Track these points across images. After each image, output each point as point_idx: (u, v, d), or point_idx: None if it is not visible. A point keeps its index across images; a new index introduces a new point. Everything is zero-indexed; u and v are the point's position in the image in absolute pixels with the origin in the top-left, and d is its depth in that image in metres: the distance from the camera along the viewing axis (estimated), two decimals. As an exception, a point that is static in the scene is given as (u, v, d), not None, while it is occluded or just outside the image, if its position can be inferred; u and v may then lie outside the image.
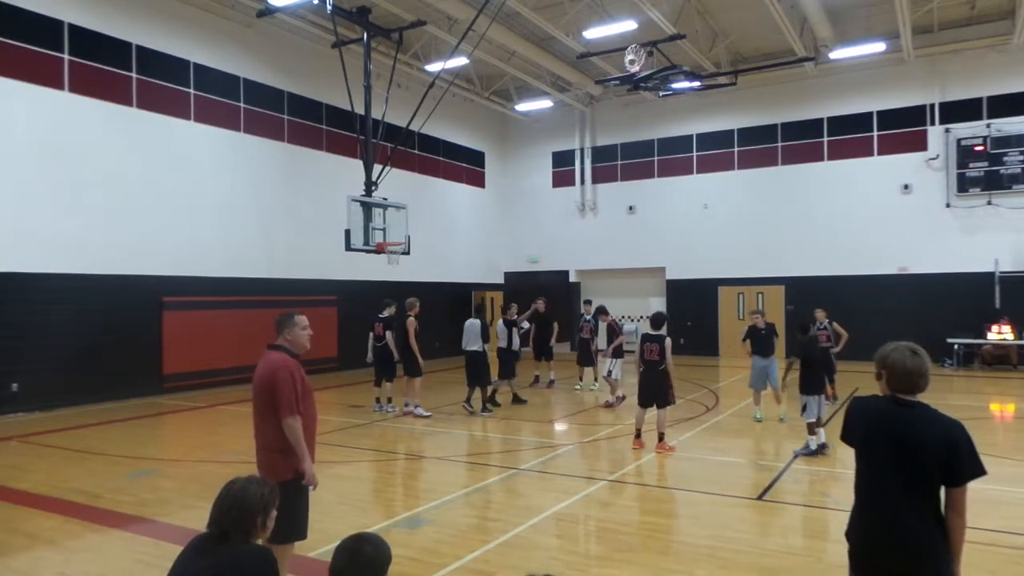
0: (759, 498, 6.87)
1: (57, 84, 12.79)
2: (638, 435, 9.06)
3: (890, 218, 19.44)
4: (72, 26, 13.00)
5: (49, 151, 12.59)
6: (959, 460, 2.74)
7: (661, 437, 8.90)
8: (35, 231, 12.31)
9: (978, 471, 2.76)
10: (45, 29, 12.62)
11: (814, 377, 8.83)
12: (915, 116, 19.40)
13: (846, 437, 3.13)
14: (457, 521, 6.27)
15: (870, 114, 19.94)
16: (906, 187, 19.41)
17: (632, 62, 15.49)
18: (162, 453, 9.73)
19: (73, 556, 5.51)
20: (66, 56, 12.93)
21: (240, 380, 15.42)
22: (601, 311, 13.39)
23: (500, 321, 13.07)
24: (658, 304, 22.69)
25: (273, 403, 4.14)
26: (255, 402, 4.30)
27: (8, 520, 6.40)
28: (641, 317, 22.69)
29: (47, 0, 12.63)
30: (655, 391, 8.87)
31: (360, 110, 14.73)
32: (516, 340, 12.83)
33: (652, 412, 8.98)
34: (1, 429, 10.80)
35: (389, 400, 12.12)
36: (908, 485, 2.81)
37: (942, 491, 2.79)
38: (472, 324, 12.03)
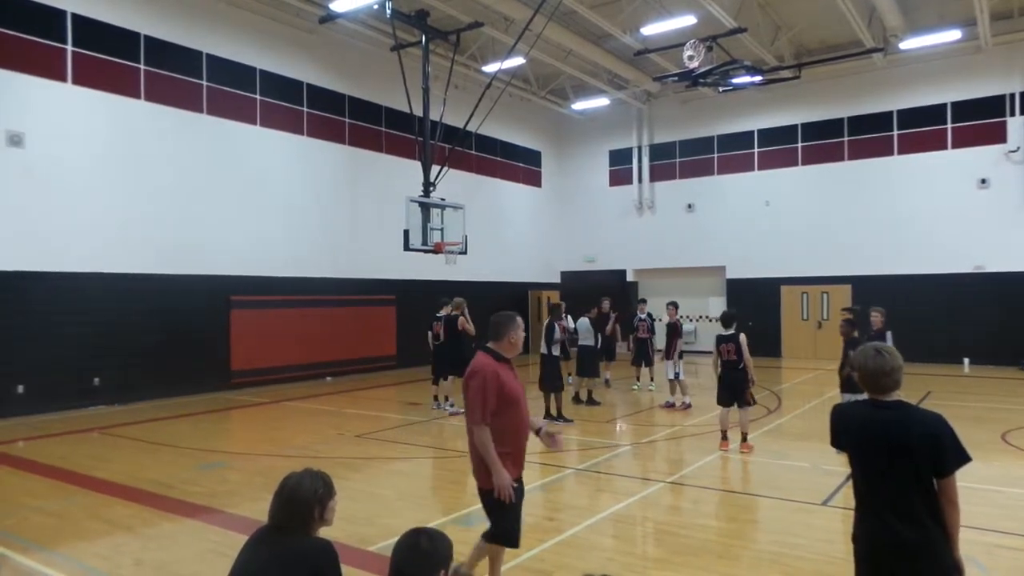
0: (824, 503, 6.67)
1: (134, 93, 13.43)
2: (724, 436, 8.98)
3: (965, 214, 18.54)
4: (147, 37, 13.62)
5: (126, 157, 13.23)
6: (944, 452, 2.86)
7: (744, 437, 8.90)
8: (114, 233, 12.96)
9: (963, 459, 2.89)
10: (124, 41, 13.26)
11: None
12: (993, 107, 18.45)
13: (836, 443, 3.27)
14: (514, 519, 6.30)
15: (944, 105, 19.07)
16: (983, 181, 18.49)
17: (691, 58, 15.22)
18: (230, 446, 10.11)
19: (149, 543, 5.78)
20: (142, 66, 13.55)
21: (303, 377, 15.89)
22: (672, 306, 12.91)
23: (583, 319, 12.82)
24: (718, 304, 22.27)
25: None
26: (466, 406, 4.20)
27: (90, 507, 6.76)
28: (700, 317, 22.33)
29: (125, 13, 13.28)
30: (736, 391, 8.90)
31: (418, 112, 14.95)
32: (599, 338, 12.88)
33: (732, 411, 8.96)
34: (84, 421, 11.41)
35: (447, 398, 12.25)
36: (901, 484, 2.92)
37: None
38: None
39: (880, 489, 2.99)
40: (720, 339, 9.05)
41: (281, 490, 2.84)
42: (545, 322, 11.54)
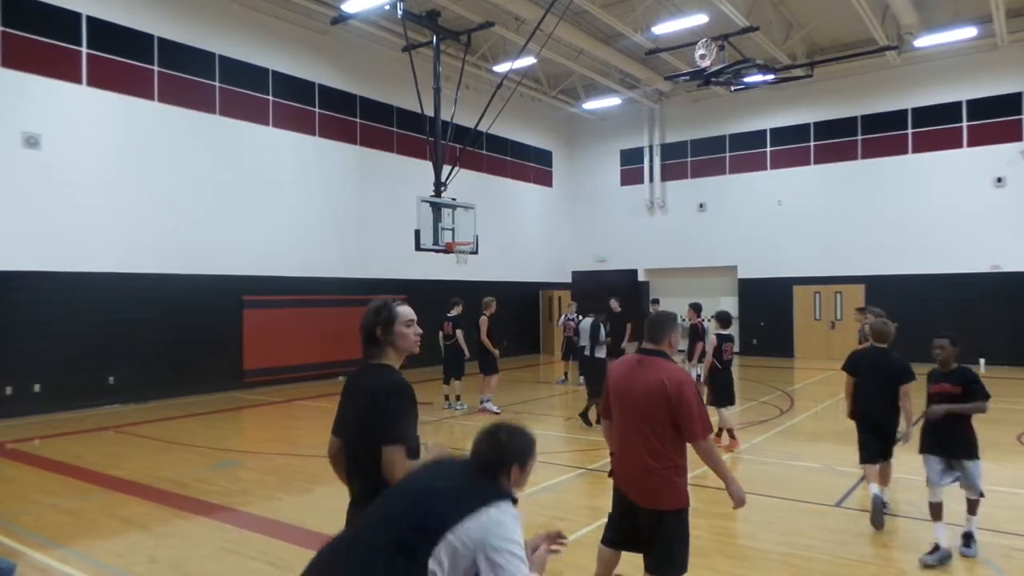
0: (836, 505, 6.64)
1: (148, 95, 13.54)
2: (732, 435, 9.01)
3: (981, 213, 18.37)
4: (161, 39, 13.73)
5: (140, 158, 13.35)
6: (903, 374, 5.89)
7: (733, 433, 8.97)
8: (128, 233, 13.08)
9: (912, 378, 5.86)
10: (138, 43, 13.38)
11: None
12: (1009, 104, 18.26)
13: (848, 368, 6.29)
14: (529, 518, 6.28)
15: (959, 103, 18.89)
16: (999, 180, 18.30)
17: (703, 57, 15.16)
18: (243, 445, 10.18)
19: (162, 541, 5.83)
20: (156, 68, 13.67)
21: (315, 376, 15.95)
22: (693, 308, 12.12)
23: (588, 320, 12.42)
24: (729, 304, 22.16)
25: (671, 420, 3.65)
26: (642, 417, 3.72)
27: (106, 505, 6.83)
28: (711, 318, 22.23)
29: (140, 15, 13.40)
30: (730, 391, 9.06)
31: (429, 112, 14.98)
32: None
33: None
34: (99, 419, 11.52)
35: (458, 398, 12.28)
36: (882, 389, 5.96)
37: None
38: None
39: (873, 392, 6.00)
40: (722, 338, 9.14)
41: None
42: (588, 321, 11.22)
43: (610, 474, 4.12)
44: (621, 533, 3.97)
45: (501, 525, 2.16)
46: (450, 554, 2.10)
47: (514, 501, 2.32)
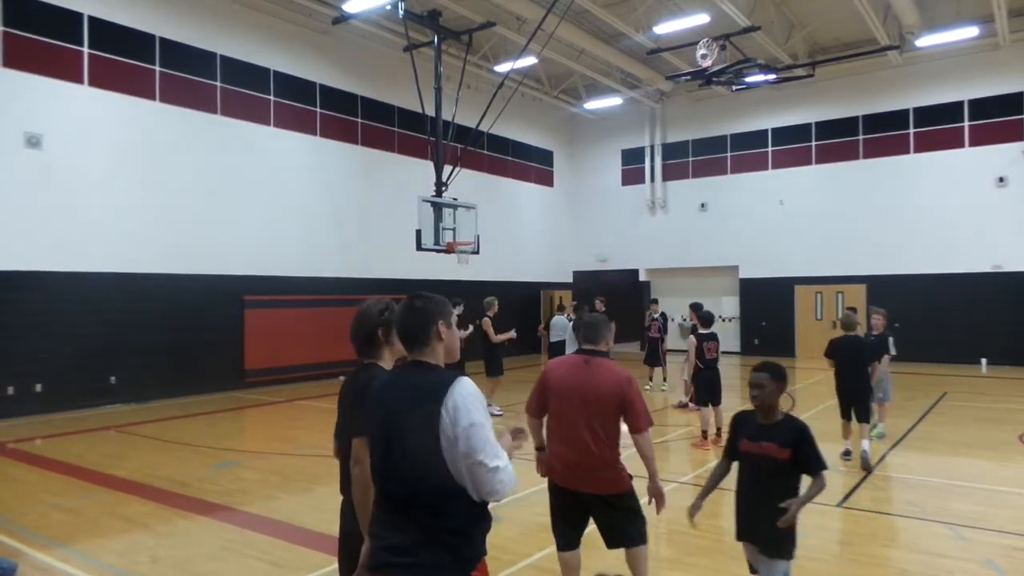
0: (839, 505, 6.63)
1: (150, 95, 13.55)
2: (706, 436, 9.13)
3: (983, 213, 18.35)
4: (163, 39, 13.74)
5: (141, 158, 13.36)
6: (872, 352, 8.14)
7: (719, 432, 9.06)
8: (129, 233, 13.09)
9: (880, 357, 8.45)
10: (140, 43, 13.39)
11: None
12: (1011, 104, 18.24)
13: (828, 354, 7.90)
14: (527, 519, 6.30)
15: (961, 103, 18.87)
16: (1001, 180, 18.28)
17: (704, 56, 15.14)
18: (244, 445, 10.19)
19: (164, 540, 5.83)
20: (157, 68, 13.68)
21: (316, 376, 15.96)
22: (694, 308, 12.64)
23: (559, 318, 12.60)
24: (731, 303, 22.19)
25: (616, 417, 3.95)
26: (594, 414, 3.93)
27: (108, 504, 6.84)
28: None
29: (141, 15, 13.41)
30: (714, 390, 9.16)
31: (430, 112, 14.98)
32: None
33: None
34: (101, 419, 11.53)
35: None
36: (856, 367, 7.79)
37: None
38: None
39: (849, 370, 7.77)
40: (704, 337, 9.23)
41: (357, 314, 3.10)
42: (562, 319, 11.35)
43: (543, 473, 4.24)
44: (572, 532, 4.21)
45: (469, 418, 2.45)
46: (465, 466, 2.38)
47: (462, 374, 2.47)
